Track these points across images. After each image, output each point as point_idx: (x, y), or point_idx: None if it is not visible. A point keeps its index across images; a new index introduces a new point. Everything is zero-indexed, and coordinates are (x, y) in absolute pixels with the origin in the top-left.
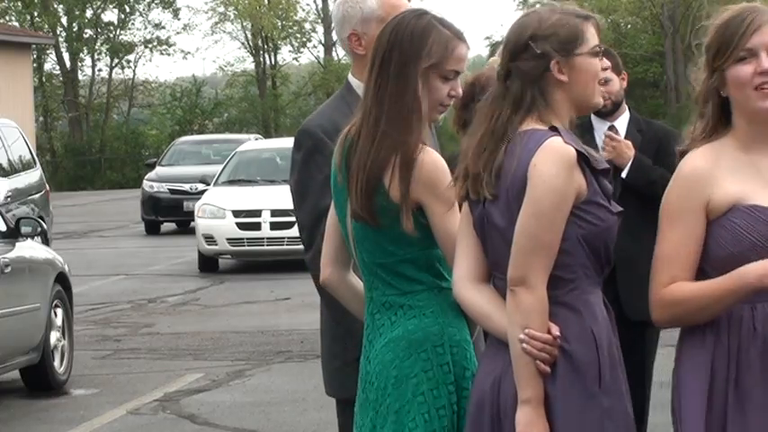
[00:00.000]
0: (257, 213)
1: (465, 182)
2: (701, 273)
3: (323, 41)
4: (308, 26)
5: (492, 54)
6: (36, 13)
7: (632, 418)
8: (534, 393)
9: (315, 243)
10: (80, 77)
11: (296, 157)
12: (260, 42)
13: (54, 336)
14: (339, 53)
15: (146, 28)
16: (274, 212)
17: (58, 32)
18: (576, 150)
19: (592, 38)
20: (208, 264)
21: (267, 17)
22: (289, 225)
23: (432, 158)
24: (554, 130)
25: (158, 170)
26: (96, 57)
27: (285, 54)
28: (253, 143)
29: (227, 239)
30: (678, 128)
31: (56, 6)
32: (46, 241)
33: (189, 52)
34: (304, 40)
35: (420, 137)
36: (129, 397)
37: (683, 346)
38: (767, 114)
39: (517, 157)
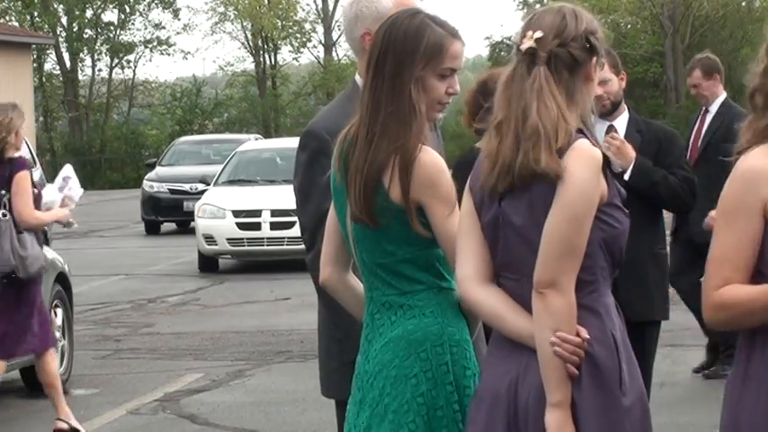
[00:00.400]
0: (257, 213)
1: (493, 171)
2: (759, 275)
3: (323, 41)
4: (308, 26)
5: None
6: (36, 13)
7: (649, 415)
8: (564, 396)
9: (317, 244)
10: (80, 77)
11: (300, 159)
12: (260, 42)
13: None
14: (339, 53)
15: (146, 28)
16: (274, 212)
17: (58, 32)
18: (602, 154)
19: None
20: (208, 264)
21: (267, 17)
22: (289, 225)
23: (431, 159)
24: (579, 132)
25: (158, 170)
26: (96, 57)
27: (285, 54)
28: (253, 143)
29: (227, 239)
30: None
31: (56, 6)
32: (46, 241)
33: (189, 52)
34: (304, 40)
35: (419, 137)
36: (129, 397)
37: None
38: None
39: None
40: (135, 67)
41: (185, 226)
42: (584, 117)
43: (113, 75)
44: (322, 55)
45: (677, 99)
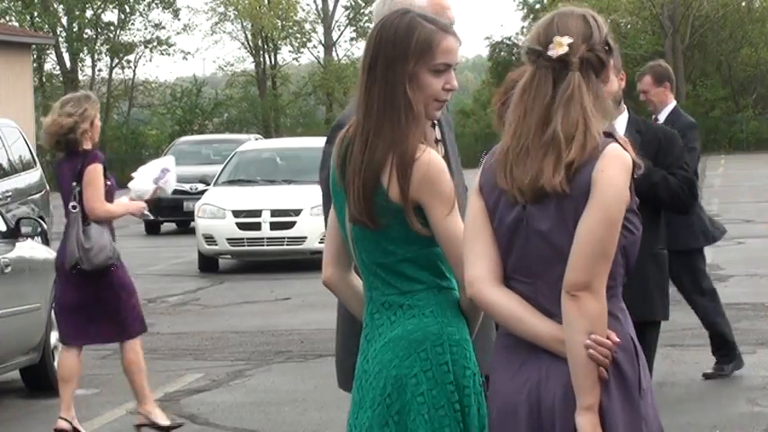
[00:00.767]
0: (257, 213)
1: (510, 183)
2: None
3: (323, 41)
4: (308, 26)
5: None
6: (36, 13)
7: (659, 418)
8: (595, 400)
9: None
10: (80, 78)
11: (327, 151)
12: (260, 42)
13: (54, 336)
14: (339, 53)
15: (146, 28)
16: (274, 212)
17: (58, 32)
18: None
19: None
20: (208, 264)
21: (267, 17)
22: (289, 225)
23: (430, 158)
24: (609, 135)
25: None
26: (96, 57)
27: (285, 54)
28: (253, 143)
29: (227, 239)
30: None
31: (56, 6)
32: (46, 241)
33: (189, 52)
34: (304, 40)
35: (416, 136)
36: (130, 397)
37: None
38: None
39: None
40: (135, 67)
41: (185, 226)
42: (609, 117)
43: (113, 75)
44: (322, 55)
45: (677, 99)
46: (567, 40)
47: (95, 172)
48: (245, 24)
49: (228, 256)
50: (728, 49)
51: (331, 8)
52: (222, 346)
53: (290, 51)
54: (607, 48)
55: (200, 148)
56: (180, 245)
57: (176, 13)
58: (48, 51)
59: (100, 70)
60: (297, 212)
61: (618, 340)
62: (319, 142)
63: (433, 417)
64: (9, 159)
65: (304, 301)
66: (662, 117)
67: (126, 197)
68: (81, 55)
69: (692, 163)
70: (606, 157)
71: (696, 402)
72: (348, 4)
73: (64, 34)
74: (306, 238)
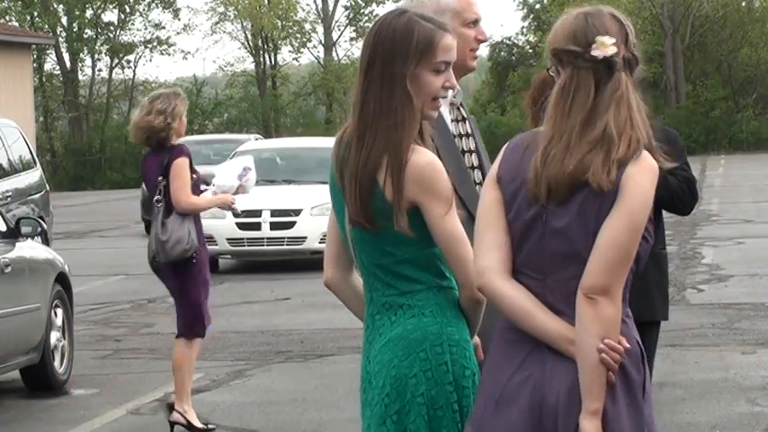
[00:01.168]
0: (257, 213)
1: (539, 179)
2: None
3: (323, 41)
4: (308, 26)
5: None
6: (36, 13)
7: (655, 421)
8: (602, 404)
9: None
10: (80, 78)
11: None
12: (260, 42)
13: (54, 336)
14: (339, 53)
15: (146, 28)
16: (274, 212)
17: (58, 32)
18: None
19: None
20: None
21: (267, 17)
22: (289, 225)
23: (425, 158)
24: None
25: None
26: (96, 57)
27: (285, 54)
28: (253, 143)
29: (227, 239)
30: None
31: (56, 6)
32: (46, 241)
33: (189, 52)
34: (304, 40)
35: (411, 136)
36: (129, 397)
37: None
38: None
39: None
40: (135, 67)
41: None
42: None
43: (113, 75)
44: (322, 55)
45: (677, 99)
46: (611, 40)
47: (182, 165)
48: (245, 24)
49: (228, 256)
50: (728, 49)
51: (331, 8)
52: (222, 346)
53: (290, 51)
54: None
55: (200, 148)
56: None
57: (176, 13)
58: (48, 51)
59: (100, 70)
60: (297, 212)
61: (628, 346)
62: (319, 142)
63: (432, 417)
64: (9, 159)
65: (304, 301)
66: None
67: (209, 192)
68: (81, 55)
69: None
70: (637, 164)
71: (696, 402)
72: (348, 4)
73: (64, 34)
74: (306, 238)
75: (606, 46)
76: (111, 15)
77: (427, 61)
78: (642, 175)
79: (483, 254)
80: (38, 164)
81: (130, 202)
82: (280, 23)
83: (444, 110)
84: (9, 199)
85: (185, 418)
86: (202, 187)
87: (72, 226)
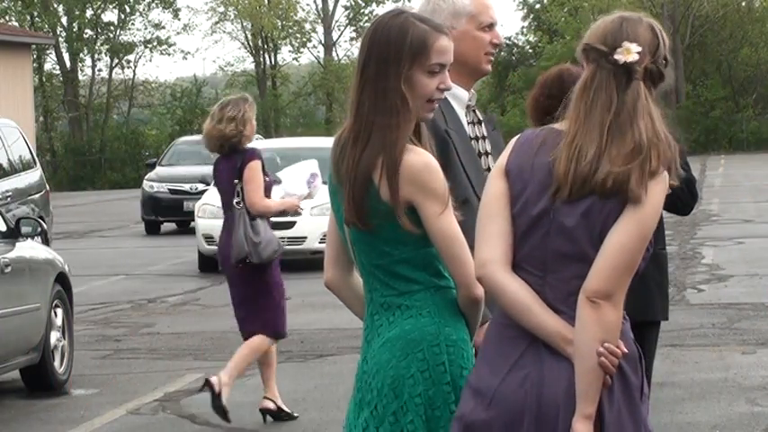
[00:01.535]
0: None
1: (565, 178)
2: None
3: (323, 41)
4: (308, 26)
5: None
6: (36, 13)
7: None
8: (595, 408)
9: None
10: (80, 77)
11: None
12: (260, 42)
13: (54, 336)
14: (339, 53)
15: (146, 28)
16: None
17: (58, 32)
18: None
19: None
20: (208, 264)
21: (267, 17)
22: (289, 225)
23: (419, 158)
24: None
25: (158, 170)
26: (96, 57)
27: (285, 54)
28: (253, 143)
29: None
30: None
31: (56, 6)
32: (46, 241)
33: (189, 52)
34: (304, 40)
35: (406, 137)
36: (129, 397)
37: None
38: None
39: None
40: (135, 67)
41: (185, 226)
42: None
43: (113, 75)
44: (322, 55)
45: (677, 99)
46: (636, 48)
47: (255, 169)
48: (245, 24)
49: None
50: (728, 49)
51: (331, 8)
52: (222, 346)
53: (290, 51)
54: (665, 61)
55: (200, 148)
56: (180, 245)
57: (176, 13)
58: (48, 51)
59: (100, 70)
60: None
61: (626, 350)
62: (319, 142)
63: (430, 417)
64: (9, 159)
65: (304, 301)
66: None
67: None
68: (81, 55)
69: None
70: (657, 179)
71: (696, 402)
72: (348, 4)
73: (64, 34)
74: (306, 238)
75: (630, 52)
76: (111, 15)
77: (420, 63)
78: (656, 186)
79: (485, 245)
80: (38, 164)
81: (130, 202)
82: (280, 23)
83: (461, 112)
84: (9, 199)
85: (276, 404)
86: (202, 187)
87: (72, 226)
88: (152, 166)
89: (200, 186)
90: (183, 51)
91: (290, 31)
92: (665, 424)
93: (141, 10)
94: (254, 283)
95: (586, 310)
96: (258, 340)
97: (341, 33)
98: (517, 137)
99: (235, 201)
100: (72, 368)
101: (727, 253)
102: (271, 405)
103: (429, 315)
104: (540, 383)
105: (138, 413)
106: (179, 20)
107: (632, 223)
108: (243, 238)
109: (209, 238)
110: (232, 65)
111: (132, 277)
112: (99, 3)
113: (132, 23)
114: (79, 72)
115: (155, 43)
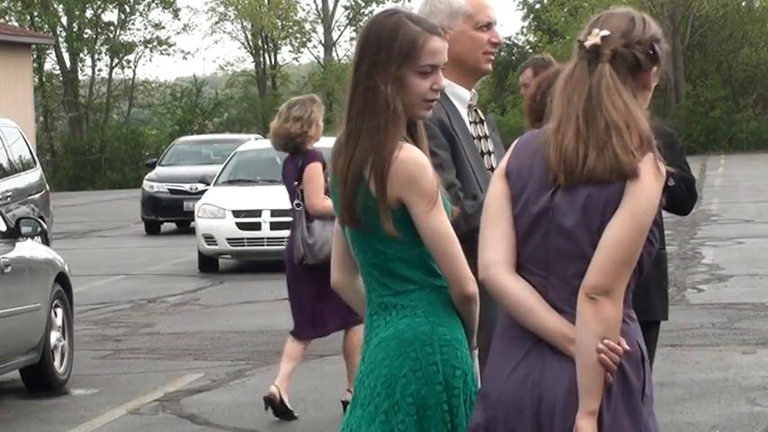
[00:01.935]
0: (257, 213)
1: (556, 167)
2: None
3: (323, 41)
4: (308, 26)
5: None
6: (36, 13)
7: (656, 416)
8: (599, 404)
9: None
10: (80, 77)
11: None
12: (260, 42)
13: (54, 336)
14: (339, 53)
15: (146, 28)
16: (274, 212)
17: (58, 32)
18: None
19: None
20: (208, 264)
21: (267, 17)
22: (289, 225)
23: (409, 155)
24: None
25: (158, 170)
26: (96, 57)
27: (285, 54)
28: (253, 143)
29: (227, 239)
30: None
31: (56, 6)
32: (46, 241)
33: (189, 52)
34: (304, 40)
35: (395, 138)
36: (129, 397)
37: None
38: None
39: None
40: (135, 67)
41: (185, 226)
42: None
43: (113, 75)
44: (322, 55)
45: (677, 99)
46: (602, 32)
47: (315, 170)
48: (245, 24)
49: (228, 256)
50: (728, 49)
51: (331, 8)
52: (222, 346)
53: (290, 51)
54: (650, 52)
55: (200, 148)
56: (180, 245)
57: (176, 13)
58: (48, 51)
59: (100, 70)
60: None
61: (627, 348)
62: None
63: (422, 417)
64: (9, 159)
65: None
66: None
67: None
68: (81, 55)
69: None
70: (645, 164)
71: (696, 402)
72: (348, 4)
73: (64, 34)
74: None
75: (595, 36)
76: (111, 15)
77: (410, 64)
78: (649, 176)
79: (488, 247)
80: (38, 164)
81: (130, 202)
82: (280, 23)
83: (463, 112)
84: (9, 199)
85: (280, 396)
86: (202, 187)
87: (72, 226)
88: (152, 166)
89: (201, 186)
90: (183, 51)
91: (290, 31)
92: (665, 424)
93: (141, 10)
94: (321, 281)
95: (585, 307)
96: (353, 339)
97: (341, 33)
98: (517, 140)
99: (295, 202)
100: (72, 368)
101: (727, 253)
102: (276, 396)
103: (423, 315)
104: (541, 384)
105: (138, 413)
106: (179, 20)
107: (627, 216)
108: (300, 239)
109: (209, 238)
110: (232, 65)
111: (132, 277)
112: (99, 3)
113: (132, 23)
114: (79, 72)
115: (155, 43)
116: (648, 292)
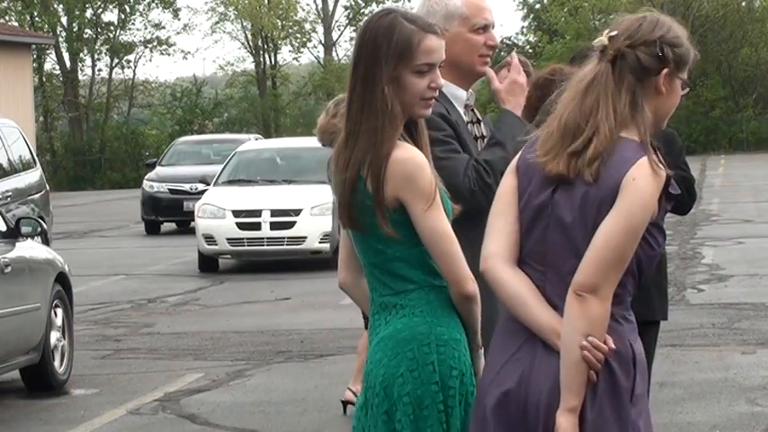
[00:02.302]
0: (257, 213)
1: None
2: None
3: (323, 41)
4: (308, 26)
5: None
6: (36, 13)
7: (650, 416)
8: (580, 401)
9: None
10: (80, 77)
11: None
12: (260, 42)
13: (54, 336)
14: (339, 53)
15: (146, 28)
16: (274, 212)
17: (58, 32)
18: (665, 174)
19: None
20: (208, 264)
21: (267, 17)
22: (289, 225)
23: (406, 155)
24: (642, 144)
25: (158, 170)
26: (96, 57)
27: (285, 54)
28: (253, 143)
29: (227, 239)
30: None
31: (56, 6)
32: (46, 241)
33: (189, 52)
34: (304, 40)
35: (392, 138)
36: (129, 397)
37: None
38: None
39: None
40: (135, 67)
41: (185, 226)
42: (646, 129)
43: (113, 75)
44: (322, 55)
45: None
46: (612, 33)
47: None
48: (245, 24)
49: (228, 256)
50: (728, 49)
51: (331, 8)
52: (222, 346)
53: (290, 51)
54: (659, 53)
55: (200, 148)
56: (180, 245)
57: (176, 13)
58: (48, 51)
59: (100, 70)
60: (297, 212)
61: (613, 346)
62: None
63: (418, 417)
64: (9, 159)
65: (304, 301)
66: None
67: None
68: (81, 55)
69: None
70: (640, 167)
71: (696, 402)
72: (348, 4)
73: (64, 34)
74: (306, 238)
75: (604, 36)
76: (111, 15)
77: (406, 63)
78: (644, 179)
79: (490, 240)
80: (38, 164)
81: (130, 202)
82: (280, 23)
83: (461, 112)
84: (9, 199)
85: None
86: (202, 187)
87: (72, 226)
88: (152, 166)
89: (201, 186)
90: (183, 51)
91: (290, 31)
92: (665, 424)
93: (141, 10)
94: None
95: (572, 303)
96: (365, 336)
97: (341, 33)
98: (529, 137)
99: None
100: (72, 368)
101: (727, 253)
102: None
103: (421, 315)
104: (529, 378)
105: (138, 413)
106: (179, 20)
107: (619, 217)
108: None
109: (209, 238)
110: (232, 65)
111: (132, 277)
112: (99, 3)
113: (132, 23)
114: (79, 72)
115: (155, 43)
116: (647, 292)
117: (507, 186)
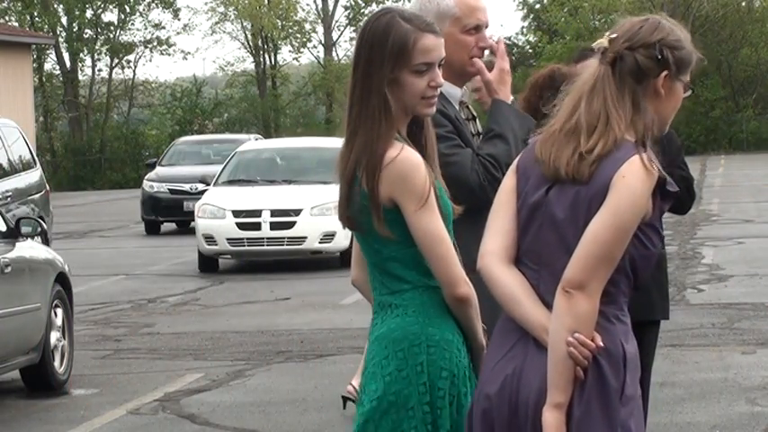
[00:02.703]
0: (257, 213)
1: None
2: None
3: (323, 41)
4: (308, 26)
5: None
6: (36, 13)
7: (642, 417)
8: (567, 398)
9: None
10: (80, 77)
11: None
12: (260, 42)
13: (54, 336)
14: (339, 53)
15: (146, 28)
16: (274, 212)
17: (58, 32)
18: (659, 173)
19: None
20: (208, 264)
21: (267, 17)
22: (289, 225)
23: (402, 155)
24: (639, 145)
25: (158, 170)
26: (96, 57)
27: (285, 54)
28: (253, 143)
29: (227, 239)
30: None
31: (56, 6)
32: (46, 241)
33: (189, 52)
34: (304, 40)
35: (388, 139)
36: (129, 397)
37: None
38: None
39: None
40: (135, 67)
41: (185, 226)
42: (645, 132)
43: (113, 75)
44: (322, 55)
45: None
46: (612, 35)
47: None
48: (245, 24)
49: (228, 256)
50: (728, 49)
51: (331, 8)
52: (222, 346)
53: (290, 51)
54: (658, 56)
55: (200, 148)
56: (180, 245)
57: (176, 13)
58: (48, 51)
59: (100, 70)
60: (297, 212)
61: (602, 344)
62: (319, 142)
63: (404, 417)
64: (9, 159)
65: (304, 301)
66: None
67: None
68: (81, 55)
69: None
70: (631, 164)
71: (696, 402)
72: (348, 4)
73: (64, 34)
74: (306, 238)
75: (605, 38)
76: (111, 15)
77: (404, 64)
78: (633, 177)
79: (487, 238)
80: (38, 164)
81: (130, 202)
82: (280, 23)
83: (456, 108)
84: (9, 199)
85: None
86: (202, 187)
87: (72, 226)
88: (152, 166)
89: (201, 186)
90: (183, 51)
91: (290, 31)
92: (665, 424)
93: (141, 10)
94: None
95: (559, 300)
96: None
97: (341, 33)
98: (532, 137)
99: None
100: (72, 368)
101: (727, 253)
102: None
103: (414, 315)
104: (520, 376)
105: (138, 413)
106: (179, 20)
107: (607, 214)
108: None
109: (209, 238)
110: (232, 65)
111: (132, 277)
112: (99, 3)
113: (132, 23)
114: (79, 72)
115: (155, 43)
116: (648, 292)
117: (507, 186)
